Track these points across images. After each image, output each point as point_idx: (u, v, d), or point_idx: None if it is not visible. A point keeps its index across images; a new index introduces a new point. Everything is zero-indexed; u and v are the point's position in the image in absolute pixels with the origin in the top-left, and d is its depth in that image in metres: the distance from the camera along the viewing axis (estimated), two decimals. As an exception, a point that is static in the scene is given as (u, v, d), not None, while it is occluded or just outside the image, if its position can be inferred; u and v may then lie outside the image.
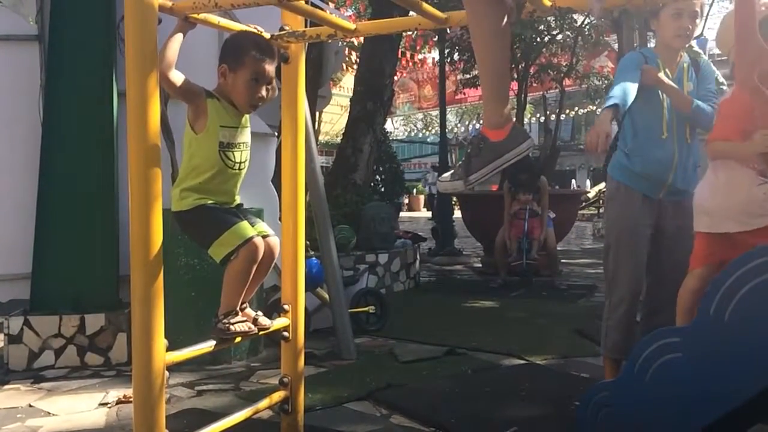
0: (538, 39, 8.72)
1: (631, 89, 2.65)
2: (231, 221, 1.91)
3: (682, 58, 2.85)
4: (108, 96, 3.83)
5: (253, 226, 1.97)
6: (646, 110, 2.77)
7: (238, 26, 2.09)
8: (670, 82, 2.76)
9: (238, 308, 1.96)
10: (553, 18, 8.77)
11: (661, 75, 2.74)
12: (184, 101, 1.88)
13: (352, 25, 2.11)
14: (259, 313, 2.05)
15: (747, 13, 2.10)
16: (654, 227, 2.84)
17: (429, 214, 20.19)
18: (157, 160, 1.70)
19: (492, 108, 1.56)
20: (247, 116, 1.99)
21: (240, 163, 1.96)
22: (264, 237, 1.97)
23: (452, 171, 1.67)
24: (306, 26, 2.20)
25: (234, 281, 1.93)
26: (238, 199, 2.01)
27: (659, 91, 2.78)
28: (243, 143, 1.97)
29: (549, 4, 1.71)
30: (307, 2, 1.94)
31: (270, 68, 1.93)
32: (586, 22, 9.19)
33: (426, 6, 1.90)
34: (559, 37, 9.34)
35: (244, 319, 1.96)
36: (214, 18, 1.99)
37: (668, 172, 2.79)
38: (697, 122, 2.82)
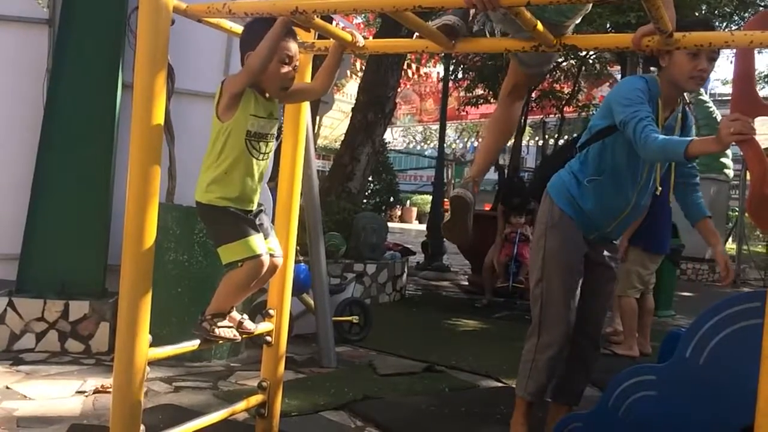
0: (543, 65, 8.81)
1: None
2: (246, 232, 1.90)
3: (680, 104, 2.54)
4: (113, 86, 3.85)
5: (266, 239, 1.98)
6: (624, 152, 2.42)
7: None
8: None
9: (226, 312, 1.98)
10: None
11: None
12: (238, 92, 1.86)
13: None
14: (245, 316, 2.07)
15: (745, 67, 2.16)
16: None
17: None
18: (159, 158, 1.72)
19: None
20: (276, 107, 1.98)
21: (265, 154, 1.95)
22: (271, 255, 1.99)
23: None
24: (315, 38, 2.23)
25: (230, 289, 1.96)
26: (257, 199, 1.98)
27: None
28: (270, 134, 1.96)
29: (554, 41, 1.76)
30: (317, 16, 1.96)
31: (294, 46, 1.92)
32: (591, 53, 9.29)
33: (435, 31, 1.94)
34: (564, 64, 9.42)
35: (231, 325, 1.98)
36: (226, 23, 2.02)
37: (612, 222, 2.56)
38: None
